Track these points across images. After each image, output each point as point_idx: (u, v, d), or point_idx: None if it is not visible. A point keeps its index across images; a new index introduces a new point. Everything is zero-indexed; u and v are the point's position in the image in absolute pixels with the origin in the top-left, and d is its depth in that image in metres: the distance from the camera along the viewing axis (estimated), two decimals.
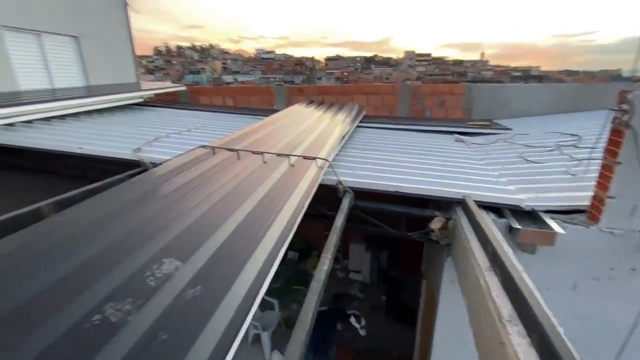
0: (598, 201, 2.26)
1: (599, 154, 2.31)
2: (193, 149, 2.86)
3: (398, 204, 2.70)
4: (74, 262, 1.29)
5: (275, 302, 5.34)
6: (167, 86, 7.82)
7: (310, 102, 6.52)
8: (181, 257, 1.36)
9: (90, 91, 6.18)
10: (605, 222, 2.23)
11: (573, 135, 4.13)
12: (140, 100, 6.59)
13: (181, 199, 1.89)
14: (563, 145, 3.71)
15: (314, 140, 3.40)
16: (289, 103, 7.21)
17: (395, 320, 5.59)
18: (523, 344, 1.17)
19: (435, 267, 3.21)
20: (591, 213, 2.30)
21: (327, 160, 2.75)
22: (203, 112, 6.22)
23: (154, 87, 7.49)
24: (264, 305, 5.32)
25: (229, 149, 2.82)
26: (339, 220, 2.07)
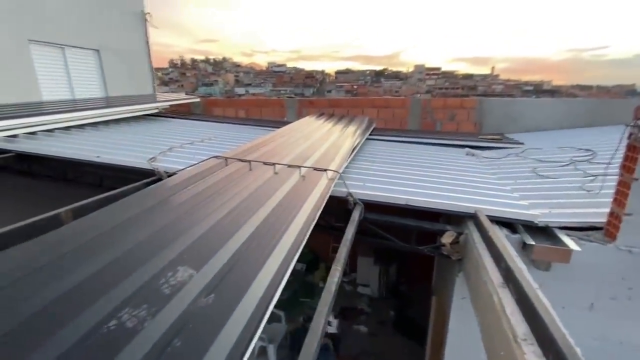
0: (615, 218, 2.21)
1: (615, 169, 2.27)
2: (206, 159, 2.92)
3: (408, 217, 2.69)
4: (91, 268, 1.32)
5: (282, 314, 5.29)
6: (182, 98, 8.04)
7: (321, 115, 6.60)
8: (195, 265, 1.38)
9: (108, 102, 6.40)
10: (623, 239, 2.17)
11: (587, 150, 4.06)
12: (156, 111, 6.78)
13: (194, 208, 1.93)
14: (577, 161, 3.66)
15: (324, 152, 3.44)
16: (300, 115, 7.31)
17: (403, 336, 5.46)
18: None
19: (446, 283, 3.15)
20: (608, 230, 2.25)
21: (337, 172, 2.77)
22: (216, 124, 6.35)
23: (169, 98, 7.71)
24: (271, 318, 5.27)
25: (241, 160, 2.87)
26: (350, 232, 2.08)
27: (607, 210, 2.28)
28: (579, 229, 2.34)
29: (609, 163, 2.58)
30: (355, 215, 2.36)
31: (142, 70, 9.56)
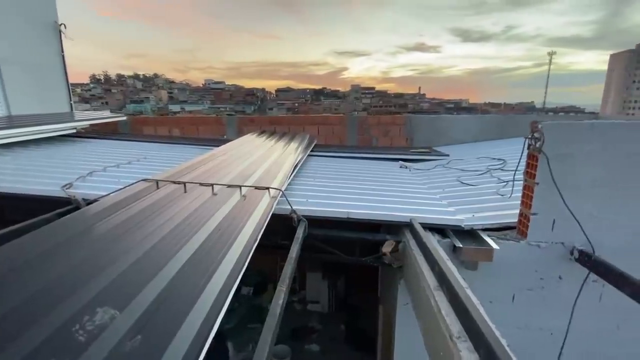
0: (524, 218, 2.53)
1: (521, 176, 2.63)
2: (134, 183, 2.67)
3: (351, 229, 2.76)
4: None
5: (229, 344, 4.96)
6: (105, 116, 7.32)
7: (262, 132, 6.55)
8: (118, 304, 1.22)
9: (11, 121, 5.54)
10: (532, 236, 2.49)
11: (500, 159, 4.64)
12: (74, 131, 6.05)
13: (119, 239, 1.73)
14: (492, 169, 4.15)
15: (266, 170, 3.39)
16: (240, 133, 7.15)
17: (355, 349, 5.48)
18: (472, 359, 1.22)
19: (390, 291, 3.27)
20: (519, 229, 2.56)
21: (280, 189, 2.75)
22: (146, 144, 5.89)
23: (89, 117, 6.96)
24: (217, 349, 4.89)
25: (174, 182, 2.68)
26: (294, 249, 2.05)
27: (518, 211, 2.60)
28: (497, 230, 2.63)
29: (516, 170, 2.97)
30: (300, 232, 2.34)
31: (55, 85, 8.50)
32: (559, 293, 2.54)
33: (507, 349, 1.18)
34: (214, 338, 1.13)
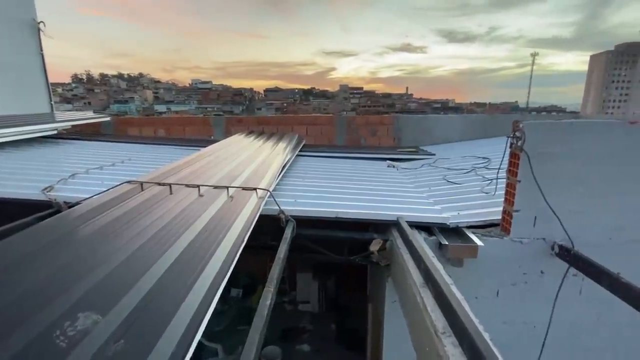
0: (507, 214, 2.59)
1: (504, 174, 2.69)
2: (117, 185, 2.61)
3: (340, 229, 2.77)
4: None
5: (218, 347, 4.91)
6: (88, 117, 7.14)
7: (250, 132, 6.50)
8: (101, 308, 1.20)
9: None
10: (515, 232, 2.55)
11: (484, 158, 4.74)
12: (55, 132, 5.89)
13: (101, 242, 1.69)
14: (477, 168, 4.23)
15: (254, 171, 3.37)
16: (228, 133, 7.09)
17: (346, 348, 5.51)
18: (456, 353, 1.25)
19: (378, 289, 3.30)
20: (503, 225, 2.63)
21: (267, 190, 2.73)
22: (131, 145, 5.78)
23: (71, 117, 6.78)
24: (206, 352, 4.84)
25: (159, 184, 2.64)
26: (282, 250, 2.04)
27: (501, 208, 2.67)
28: (482, 227, 2.69)
29: (500, 168, 3.04)
30: (288, 233, 2.34)
31: (34, 85, 8.23)
32: (541, 287, 2.61)
33: (490, 343, 1.21)
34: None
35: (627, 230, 2.54)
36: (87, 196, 2.48)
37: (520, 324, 2.72)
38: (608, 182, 2.47)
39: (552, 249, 2.52)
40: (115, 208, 2.13)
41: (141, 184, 2.62)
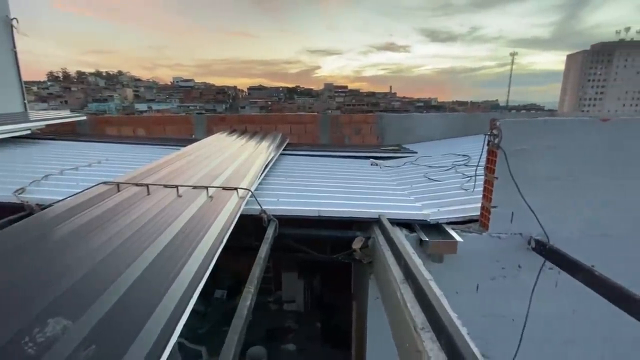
0: (486, 211, 2.66)
1: (482, 171, 2.75)
2: (93, 186, 2.53)
3: (323, 228, 2.77)
4: None
5: (202, 349, 4.84)
6: (63, 116, 6.87)
7: (233, 131, 6.42)
8: (71, 314, 1.16)
9: None
10: (493, 227, 2.62)
11: (464, 155, 4.84)
12: (28, 132, 5.65)
13: (75, 245, 1.64)
14: (457, 165, 4.32)
15: (235, 170, 3.33)
16: (210, 132, 6.97)
17: (332, 347, 5.53)
18: (434, 348, 1.27)
19: (362, 287, 3.32)
20: (482, 221, 2.69)
21: (249, 189, 2.71)
22: (108, 145, 5.61)
23: (45, 117, 6.51)
24: (190, 355, 4.77)
25: (137, 184, 2.57)
26: (264, 249, 2.03)
27: (480, 204, 2.73)
28: (461, 223, 2.75)
29: (478, 165, 3.11)
30: (270, 232, 2.33)
31: (7, 83, 7.87)
32: (519, 281, 2.68)
33: (467, 337, 1.24)
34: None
35: (600, 225, 2.64)
36: (61, 198, 2.39)
37: (499, 317, 2.79)
38: (582, 177, 2.56)
39: (529, 243, 2.60)
40: (90, 210, 2.06)
41: (117, 184, 2.54)
